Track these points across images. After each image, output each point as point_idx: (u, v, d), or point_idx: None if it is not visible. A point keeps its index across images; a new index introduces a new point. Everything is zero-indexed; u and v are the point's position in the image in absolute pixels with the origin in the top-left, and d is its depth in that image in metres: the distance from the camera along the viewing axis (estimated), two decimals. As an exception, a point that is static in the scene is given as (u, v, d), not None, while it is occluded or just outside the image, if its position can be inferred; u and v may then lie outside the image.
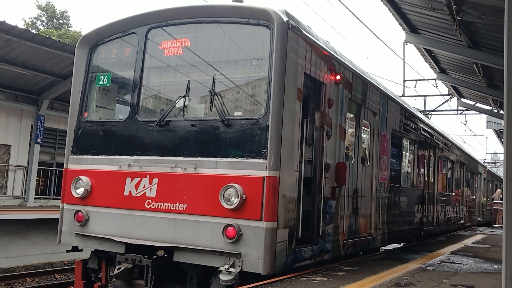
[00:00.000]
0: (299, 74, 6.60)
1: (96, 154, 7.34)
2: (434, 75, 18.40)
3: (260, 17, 6.47)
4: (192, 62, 7.00)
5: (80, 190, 7.18)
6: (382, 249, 10.75)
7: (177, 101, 6.94)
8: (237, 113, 6.74)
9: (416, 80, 25.85)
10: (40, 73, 16.51)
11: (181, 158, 6.58)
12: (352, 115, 8.80)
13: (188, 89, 6.89)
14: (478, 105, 22.11)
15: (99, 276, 7.40)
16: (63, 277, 13.40)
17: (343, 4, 13.69)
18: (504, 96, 2.21)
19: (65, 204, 7.48)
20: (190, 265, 6.42)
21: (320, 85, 7.33)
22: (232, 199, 6.04)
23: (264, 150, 6.04)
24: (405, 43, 25.03)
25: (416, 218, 12.88)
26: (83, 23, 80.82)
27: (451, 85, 18.78)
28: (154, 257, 6.83)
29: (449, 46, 12.20)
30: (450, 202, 17.60)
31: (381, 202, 9.90)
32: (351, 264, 7.75)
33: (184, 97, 6.88)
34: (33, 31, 17.58)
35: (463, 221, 20.18)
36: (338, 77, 7.72)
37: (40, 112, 18.32)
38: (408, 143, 12.51)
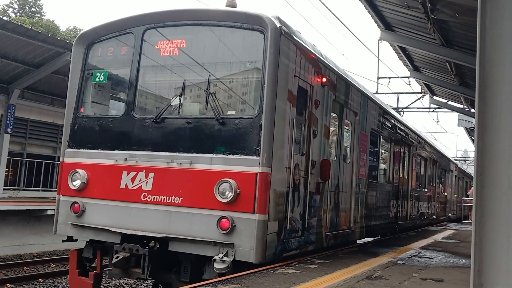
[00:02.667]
0: (289, 77, 6.97)
1: (93, 148, 7.59)
2: (408, 73, 18.66)
3: (254, 22, 6.80)
4: (187, 63, 7.28)
5: (77, 183, 7.43)
6: (359, 242, 11.15)
7: (173, 99, 7.24)
8: (231, 112, 7.05)
9: (389, 78, 26.14)
10: (11, 62, 16.19)
11: (176, 154, 6.89)
12: (335, 115, 9.19)
13: (183, 88, 7.21)
14: (450, 103, 22.51)
15: (94, 265, 7.74)
16: (32, 269, 13.14)
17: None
18: (476, 91, 2.23)
19: (61, 196, 7.72)
20: (185, 254, 6.73)
21: (308, 87, 7.68)
22: (226, 193, 6.39)
23: (257, 148, 6.42)
24: (380, 41, 25.31)
25: (391, 212, 13.45)
26: (56, 12, 79.36)
27: (424, 82, 19.05)
28: (150, 246, 7.07)
29: (423, 44, 12.37)
30: (423, 198, 18.24)
31: (360, 197, 10.35)
32: (323, 257, 7.81)
33: (180, 95, 7.20)
34: (4, 18, 17.14)
35: (435, 216, 20.86)
36: (324, 79, 8.12)
37: (11, 101, 18.07)
38: (385, 141, 13.00)
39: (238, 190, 6.33)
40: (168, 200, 6.79)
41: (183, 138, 6.97)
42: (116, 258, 6.70)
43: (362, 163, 10.41)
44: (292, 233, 7.27)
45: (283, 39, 6.67)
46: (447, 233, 16.36)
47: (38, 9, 50.55)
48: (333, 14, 12.10)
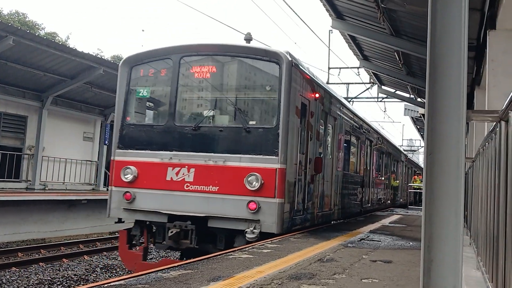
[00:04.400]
0: (296, 96, 9.17)
1: (140, 149, 9.40)
2: (357, 63, 19.00)
3: (272, 56, 9.01)
4: (217, 84, 9.53)
5: (129, 176, 9.27)
6: (334, 222, 13.28)
7: (206, 112, 9.49)
8: (252, 123, 9.14)
9: (340, 68, 26.59)
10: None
11: (212, 154, 8.89)
12: (322, 121, 11.31)
13: (215, 104, 9.55)
14: (397, 92, 23.11)
15: (140, 241, 9.62)
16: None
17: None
18: (427, 73, 2.29)
19: (113, 187, 9.56)
20: (220, 229, 8.78)
21: (307, 102, 9.89)
22: (253, 183, 8.50)
23: (276, 150, 8.58)
24: (331, 31, 25.60)
25: (358, 198, 16.19)
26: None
27: (373, 72, 19.41)
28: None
29: (372, 34, 12.57)
30: (381, 186, 21.39)
31: (337, 185, 12.78)
32: (276, 242, 7.92)
33: (212, 109, 9.44)
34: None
35: (389, 201, 24.03)
36: (317, 95, 10.52)
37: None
38: (354, 139, 15.46)
39: (262, 181, 8.47)
40: (207, 189, 8.81)
41: (217, 142, 9.04)
42: (171, 232, 8.64)
43: (339, 158, 12.98)
44: (297, 213, 9.50)
45: (293, 69, 8.91)
46: (394, 217, 16.85)
47: None
48: (285, 2, 12.12)
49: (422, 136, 40.75)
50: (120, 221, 9.65)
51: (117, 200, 9.41)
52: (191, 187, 8.87)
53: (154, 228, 9.51)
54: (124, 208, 9.33)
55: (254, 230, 8.40)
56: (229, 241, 8.79)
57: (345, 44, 15.52)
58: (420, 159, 57.14)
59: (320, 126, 11.02)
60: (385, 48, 13.80)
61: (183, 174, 8.92)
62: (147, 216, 9.22)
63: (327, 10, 12.13)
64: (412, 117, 30.81)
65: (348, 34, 13.64)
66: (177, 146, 9.14)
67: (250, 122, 9.08)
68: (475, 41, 9.36)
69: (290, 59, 8.84)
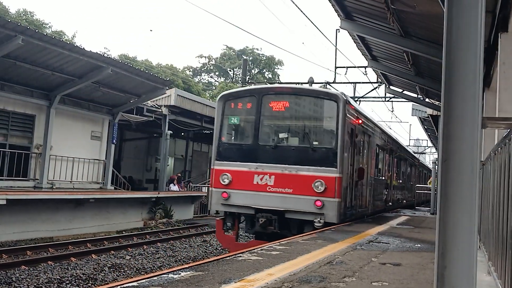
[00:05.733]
0: (347, 124, 12.36)
1: (233, 161, 12.74)
2: (364, 62, 18.93)
3: (331, 97, 12.45)
4: (289, 115, 12.89)
5: (226, 180, 12.56)
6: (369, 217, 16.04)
7: (282, 135, 12.77)
8: (315, 143, 12.42)
9: (347, 67, 26.44)
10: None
11: (287, 166, 12.08)
12: (362, 139, 14.39)
13: (288, 129, 12.88)
14: (405, 92, 22.99)
15: (231, 228, 12.98)
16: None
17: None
18: (442, 79, 2.29)
19: (213, 188, 12.86)
20: (294, 219, 11.98)
21: (354, 127, 13.11)
22: (319, 187, 11.67)
23: (335, 164, 11.80)
24: (338, 30, 25.49)
25: (383, 198, 19.31)
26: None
27: (381, 72, 19.34)
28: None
29: (382, 34, 12.53)
30: (399, 187, 24.79)
31: (370, 188, 15.90)
32: (284, 244, 7.92)
33: (286, 133, 12.75)
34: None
35: (405, 201, 26.75)
36: (360, 121, 13.79)
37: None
38: (381, 150, 18.64)
39: (325, 186, 11.66)
40: (284, 190, 12.00)
41: (290, 157, 12.22)
42: (261, 221, 11.91)
43: (371, 166, 16.21)
44: (348, 209, 12.67)
45: (346, 106, 12.22)
46: (402, 219, 16.81)
47: None
48: (293, 2, 12.14)
49: (429, 136, 40.55)
50: (217, 213, 13.49)
51: (216, 198, 12.77)
52: (272, 189, 12.10)
53: (242, 218, 13.01)
54: (222, 203, 12.67)
55: (320, 221, 11.61)
56: (300, 228, 11.86)
57: (352, 43, 15.46)
58: (426, 159, 56.83)
59: (361, 143, 14.33)
60: (394, 49, 13.75)
61: (266, 179, 12.18)
62: (240, 209, 12.57)
63: (336, 10, 12.11)
64: (419, 117, 30.64)
65: (357, 35, 13.57)
66: (260, 159, 12.42)
67: (314, 143, 12.42)
68: (486, 43, 9.31)
69: (344, 98, 12.25)
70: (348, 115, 12.27)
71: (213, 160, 13.08)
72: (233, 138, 13.72)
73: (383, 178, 19.32)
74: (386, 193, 19.78)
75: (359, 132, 13.86)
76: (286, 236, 10.59)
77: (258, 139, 12.62)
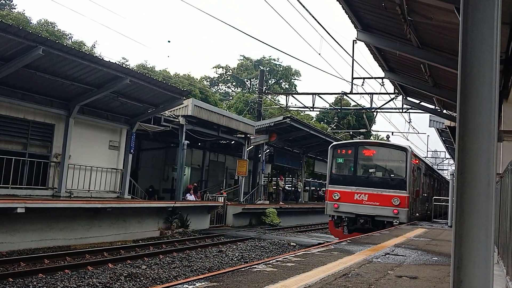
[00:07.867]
0: (411, 164, 20.58)
1: (340, 185, 20.94)
2: (381, 73, 18.85)
3: (403, 149, 21.18)
4: (376, 157, 21.49)
5: (336, 197, 20.60)
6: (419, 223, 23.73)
7: (371, 170, 21.21)
8: (392, 175, 20.74)
9: (363, 78, 26.34)
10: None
11: (375, 189, 20.25)
12: (417, 171, 22.23)
13: (375, 167, 21.28)
14: (422, 103, 22.80)
15: (340, 226, 21.36)
16: None
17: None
18: (458, 92, 2.28)
19: (328, 201, 21.13)
20: (380, 221, 20.02)
21: (414, 165, 21.16)
22: (395, 202, 19.74)
23: (405, 188, 20.03)
24: (355, 41, 25.47)
25: (425, 209, 27.16)
26: (27, 4, 77.68)
27: (398, 83, 19.24)
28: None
29: (399, 46, 12.47)
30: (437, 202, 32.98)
31: (420, 203, 24.08)
32: (300, 256, 7.88)
33: (374, 169, 21.28)
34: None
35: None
36: (417, 161, 22.27)
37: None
38: (425, 176, 26.55)
39: (399, 201, 19.74)
40: (373, 204, 20.01)
41: (377, 184, 20.45)
42: (361, 221, 20.01)
43: (421, 188, 24.45)
44: (411, 215, 20.75)
45: (412, 154, 20.99)
46: (419, 231, 16.66)
47: (7, 1, 49.38)
48: (310, 14, 12.16)
49: (447, 148, 40.11)
50: (330, 216, 21.27)
51: (330, 207, 20.86)
52: (366, 203, 20.11)
53: (345, 219, 20.75)
54: (334, 211, 20.72)
55: (396, 221, 19.55)
56: (383, 226, 19.51)
57: (369, 54, 15.42)
58: (444, 172, 56.34)
59: (417, 174, 22.25)
60: (411, 60, 13.66)
61: (362, 197, 20.21)
62: (346, 214, 20.51)
63: (352, 22, 12.07)
64: (437, 129, 30.35)
65: (373, 46, 13.54)
66: (359, 184, 20.60)
67: (391, 175, 20.77)
68: (503, 54, 9.21)
69: (410, 150, 20.98)
70: (411, 159, 20.71)
71: (327, 184, 21.65)
72: (340, 171, 22.03)
73: (425, 195, 27.64)
74: (427, 204, 28.30)
75: (416, 168, 22.07)
76: (377, 229, 18.71)
77: (356, 172, 21.13)
